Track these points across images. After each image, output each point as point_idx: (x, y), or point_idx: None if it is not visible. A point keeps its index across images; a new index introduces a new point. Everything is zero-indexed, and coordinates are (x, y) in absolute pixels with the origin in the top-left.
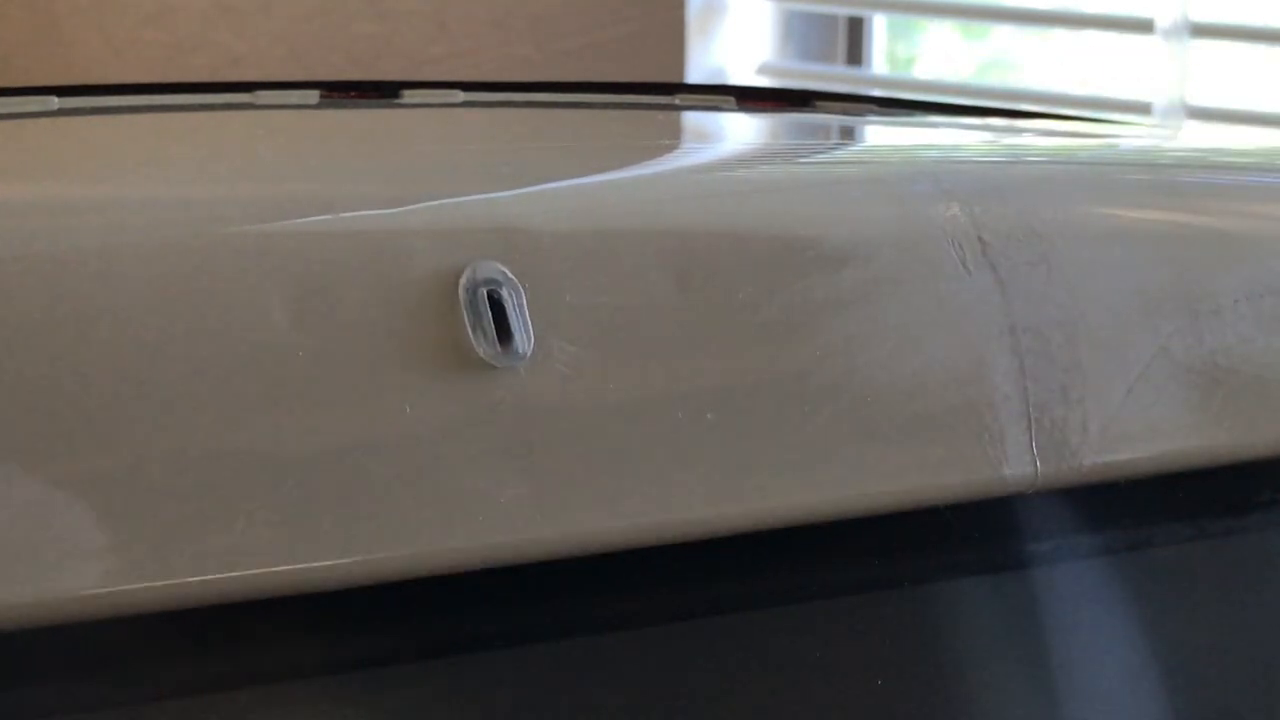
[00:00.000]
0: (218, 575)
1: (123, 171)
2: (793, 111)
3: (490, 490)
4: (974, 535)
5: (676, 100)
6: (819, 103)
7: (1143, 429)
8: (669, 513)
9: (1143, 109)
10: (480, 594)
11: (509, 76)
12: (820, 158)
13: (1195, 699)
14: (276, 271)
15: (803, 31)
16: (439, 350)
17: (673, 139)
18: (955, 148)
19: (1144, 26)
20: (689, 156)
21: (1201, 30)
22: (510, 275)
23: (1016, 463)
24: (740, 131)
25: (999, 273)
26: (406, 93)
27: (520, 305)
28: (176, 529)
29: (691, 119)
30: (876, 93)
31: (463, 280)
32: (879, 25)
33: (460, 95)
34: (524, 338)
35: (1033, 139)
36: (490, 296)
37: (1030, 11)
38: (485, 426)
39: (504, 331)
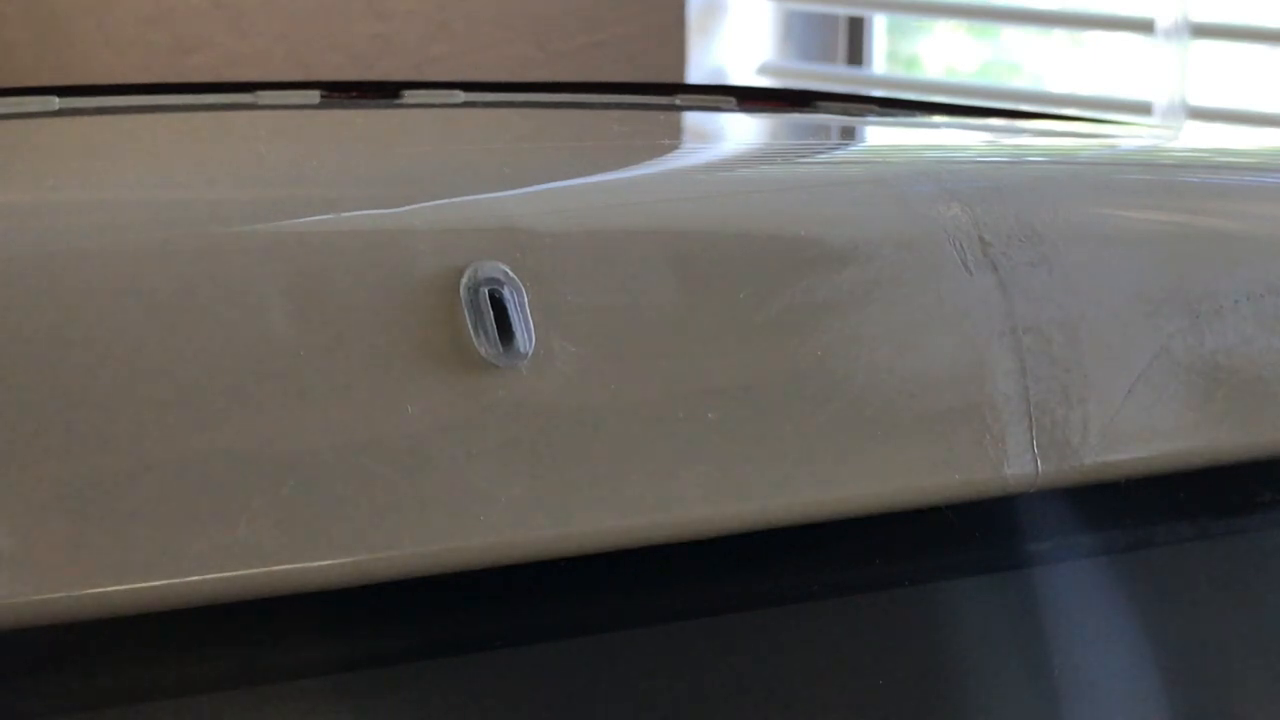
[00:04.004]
0: (218, 575)
1: (123, 172)
2: (794, 112)
3: (491, 490)
4: (975, 535)
5: (677, 100)
6: (820, 103)
7: (1143, 429)
8: (670, 512)
9: (1143, 109)
10: (480, 594)
11: (510, 76)
12: (821, 158)
13: (1196, 699)
14: (278, 271)
15: (803, 31)
16: (440, 350)
17: (674, 139)
18: (956, 148)
19: (1144, 26)
20: (690, 156)
21: (1202, 30)
22: (512, 275)
23: (1017, 462)
24: (741, 132)
25: (1000, 273)
26: (407, 93)
27: (521, 305)
28: (177, 529)
29: (692, 119)
30: (877, 93)
31: (464, 280)
32: (879, 25)
33: (461, 95)
34: (525, 337)
35: (1034, 139)
36: (492, 296)
37: (1031, 11)
38: (486, 426)
39: (505, 331)
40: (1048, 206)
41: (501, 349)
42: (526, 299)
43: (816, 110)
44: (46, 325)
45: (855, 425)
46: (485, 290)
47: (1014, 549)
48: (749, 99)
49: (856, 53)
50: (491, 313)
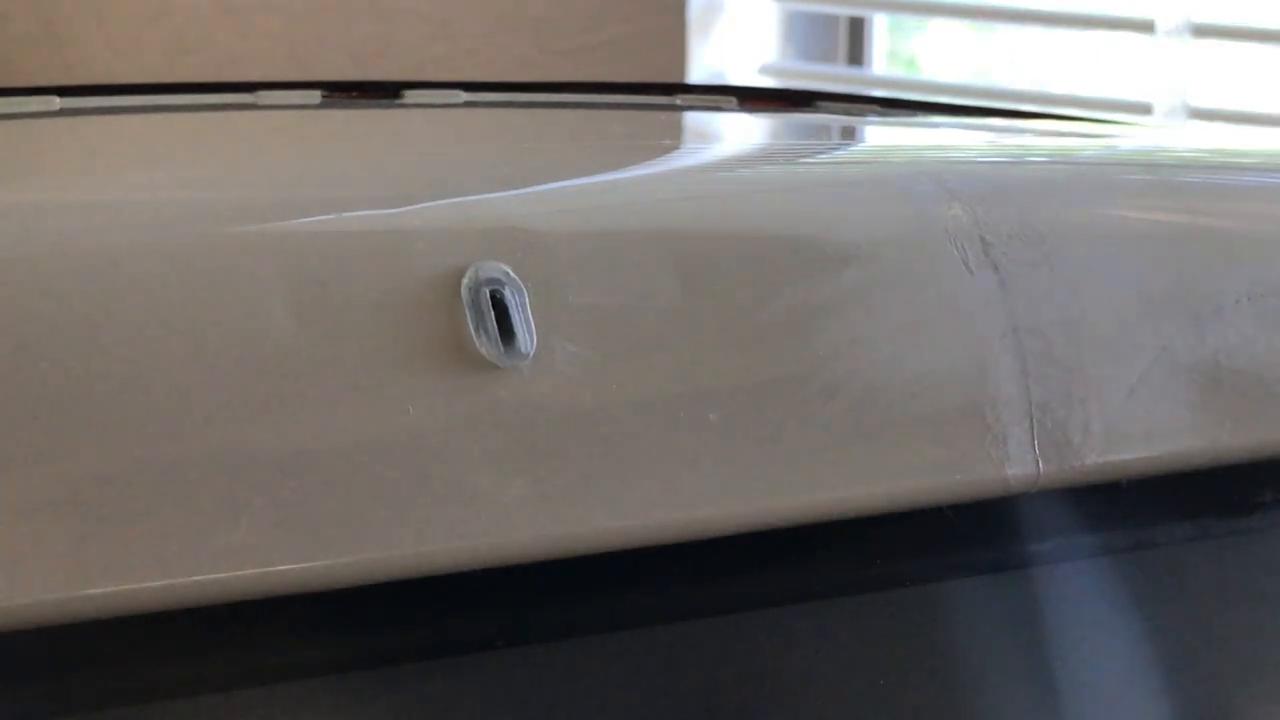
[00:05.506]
0: (218, 575)
1: (124, 172)
2: (794, 112)
3: (492, 490)
4: (976, 535)
5: (678, 100)
6: (821, 103)
7: (1144, 429)
8: (671, 512)
9: (1143, 109)
10: (480, 594)
11: (510, 76)
12: (822, 158)
13: (1195, 699)
14: (279, 272)
15: (804, 32)
16: (442, 350)
17: (674, 139)
18: (957, 148)
19: (1145, 26)
20: (691, 156)
21: (1202, 30)
22: (513, 275)
23: (1019, 463)
24: (742, 132)
25: (1001, 273)
26: (408, 93)
27: (523, 305)
28: (177, 529)
29: (693, 119)
30: (877, 93)
31: (465, 280)
32: (879, 25)
33: (462, 95)
34: (526, 338)
35: (1034, 139)
36: (493, 296)
37: (1030, 11)
38: (487, 426)
39: (507, 331)
40: (1049, 206)
41: (503, 349)
42: (527, 299)
43: (817, 110)
44: (47, 325)
45: (855, 425)
46: (486, 290)
47: (1015, 549)
48: (750, 99)
49: (857, 53)
50: (493, 313)
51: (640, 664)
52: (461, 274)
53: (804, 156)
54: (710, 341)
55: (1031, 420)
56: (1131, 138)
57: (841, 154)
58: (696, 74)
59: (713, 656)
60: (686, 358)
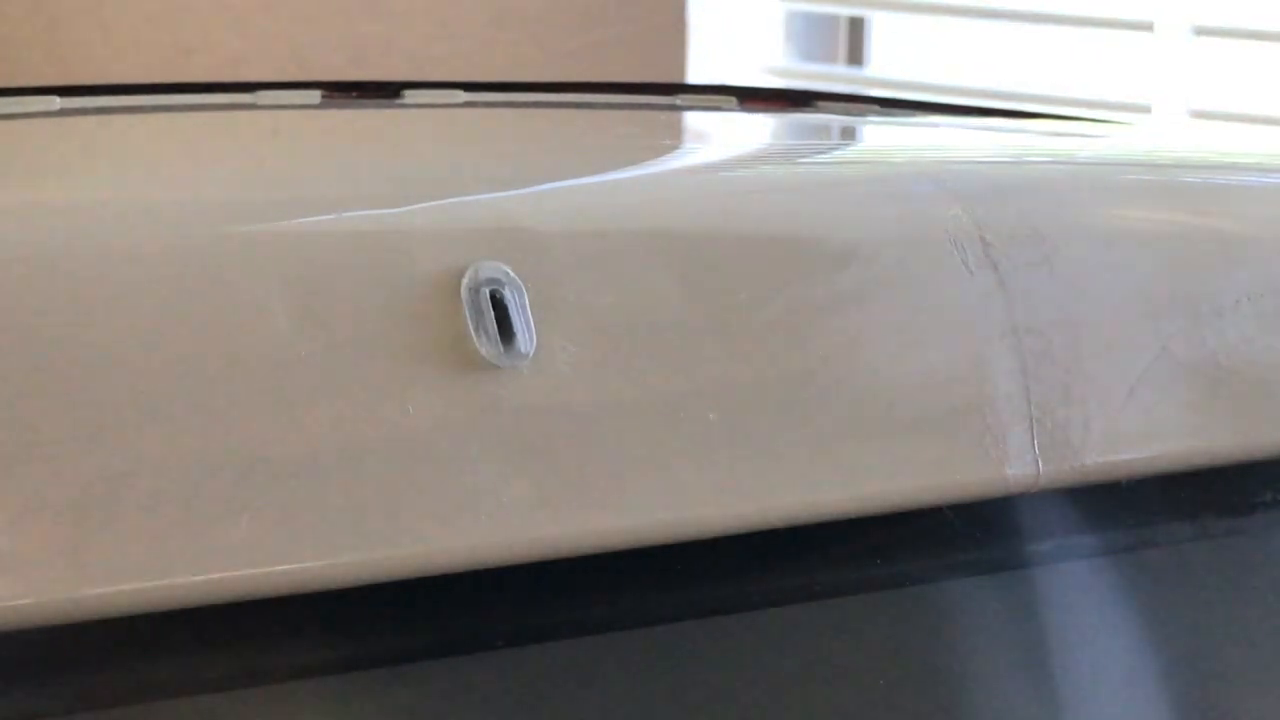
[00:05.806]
0: (218, 575)
1: (124, 172)
2: (794, 112)
3: (492, 490)
4: (976, 535)
5: (677, 100)
6: (821, 103)
7: (1144, 429)
8: (671, 512)
9: (1143, 109)
10: (480, 594)
11: (510, 76)
12: (822, 158)
13: (1195, 698)
14: (279, 272)
15: (804, 32)
16: (441, 350)
17: (674, 139)
18: (957, 148)
19: (1144, 26)
20: (691, 156)
21: (1202, 30)
22: (512, 275)
23: (1018, 462)
24: (742, 132)
25: (1001, 273)
26: (408, 93)
27: (522, 305)
28: (176, 529)
29: (693, 119)
30: (877, 93)
31: (465, 280)
32: (879, 25)
33: (462, 95)
34: (526, 337)
35: (1034, 139)
36: (493, 296)
37: (1030, 12)
38: (487, 426)
39: (506, 331)
40: (1048, 206)
41: (502, 349)
42: (527, 299)
43: (817, 110)
44: (46, 325)
45: (855, 425)
46: (486, 290)
47: (1015, 549)
48: (749, 99)
49: (856, 53)
50: (492, 313)
51: (640, 664)
52: (461, 274)
53: (804, 156)
54: (710, 341)
55: (1031, 420)
56: (1131, 138)
57: (841, 154)
58: (696, 74)
59: (713, 656)
60: (686, 358)
